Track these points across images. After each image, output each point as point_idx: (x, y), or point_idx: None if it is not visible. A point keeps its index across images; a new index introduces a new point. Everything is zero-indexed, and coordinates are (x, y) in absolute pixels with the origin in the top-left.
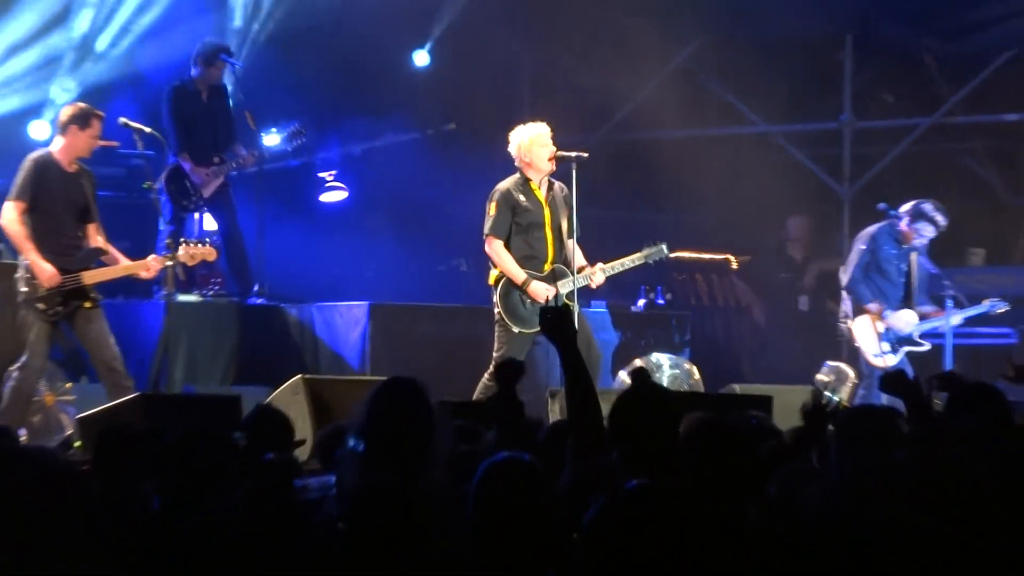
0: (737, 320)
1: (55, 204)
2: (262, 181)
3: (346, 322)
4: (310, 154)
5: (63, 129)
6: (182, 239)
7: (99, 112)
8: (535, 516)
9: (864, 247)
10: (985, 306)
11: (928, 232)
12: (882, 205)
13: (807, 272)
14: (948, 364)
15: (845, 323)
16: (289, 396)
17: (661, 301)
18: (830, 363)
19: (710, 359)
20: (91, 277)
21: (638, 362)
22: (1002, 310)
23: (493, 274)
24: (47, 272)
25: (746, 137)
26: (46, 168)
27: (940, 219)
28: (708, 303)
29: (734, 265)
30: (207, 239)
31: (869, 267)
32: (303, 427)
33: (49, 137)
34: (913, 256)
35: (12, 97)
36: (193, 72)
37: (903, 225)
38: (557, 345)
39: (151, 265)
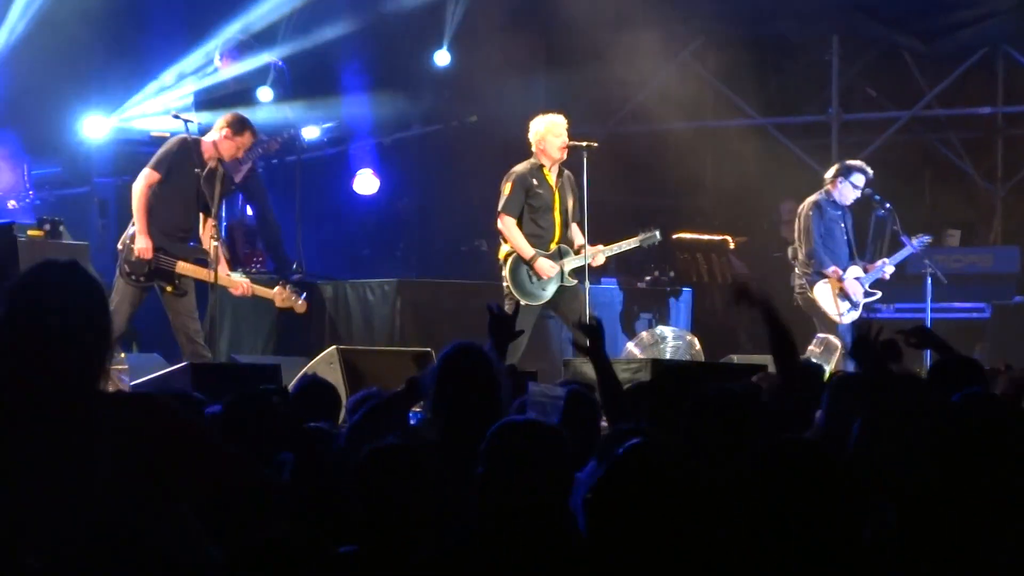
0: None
1: (182, 188)
2: (300, 170)
3: (377, 297)
4: (344, 144)
5: (219, 128)
6: (280, 280)
7: (255, 128)
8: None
9: (812, 214)
10: (913, 245)
11: (860, 181)
12: (868, 190)
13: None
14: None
15: (804, 293)
16: (325, 365)
17: (665, 279)
18: (820, 335)
19: (710, 331)
20: (184, 269)
21: (644, 334)
22: (927, 242)
23: (503, 250)
24: (144, 245)
25: (742, 129)
26: (188, 151)
27: (866, 167)
28: (708, 280)
29: (731, 245)
30: (304, 293)
31: (821, 234)
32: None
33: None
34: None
35: None
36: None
37: (838, 184)
38: (591, 357)
39: (241, 286)
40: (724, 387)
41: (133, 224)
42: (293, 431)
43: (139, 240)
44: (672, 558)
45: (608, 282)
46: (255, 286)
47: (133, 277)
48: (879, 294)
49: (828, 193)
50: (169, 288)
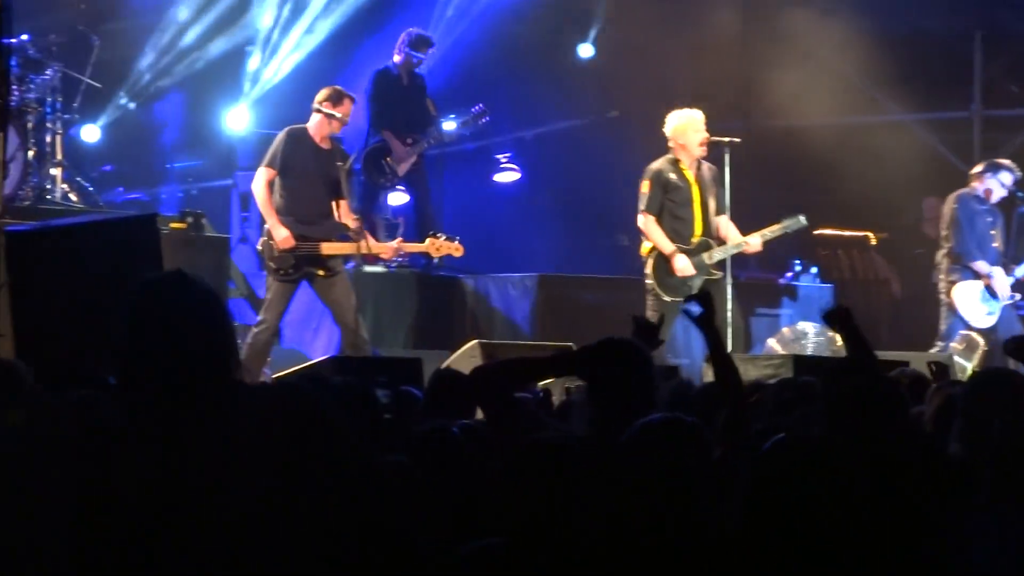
0: (876, 292)
1: (303, 175)
2: (442, 163)
3: (518, 291)
4: (486, 138)
5: (317, 108)
6: (430, 232)
7: (351, 94)
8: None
9: (956, 207)
10: None
11: (1008, 180)
12: (1012, 188)
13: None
14: None
15: (943, 294)
16: (466, 359)
17: (807, 274)
18: (962, 332)
19: None
20: (328, 248)
21: (785, 330)
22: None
23: (646, 247)
24: (282, 235)
25: (884, 124)
26: (298, 141)
27: (1011, 164)
28: (849, 276)
29: (873, 241)
30: (456, 237)
31: (967, 226)
32: None
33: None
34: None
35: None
36: (397, 58)
37: (985, 179)
38: (700, 328)
39: (390, 248)
40: (867, 382)
41: (266, 223)
42: (399, 431)
43: (277, 233)
44: (828, 552)
45: (746, 275)
46: (406, 244)
47: (281, 272)
48: (1018, 296)
49: (973, 188)
50: (320, 272)
